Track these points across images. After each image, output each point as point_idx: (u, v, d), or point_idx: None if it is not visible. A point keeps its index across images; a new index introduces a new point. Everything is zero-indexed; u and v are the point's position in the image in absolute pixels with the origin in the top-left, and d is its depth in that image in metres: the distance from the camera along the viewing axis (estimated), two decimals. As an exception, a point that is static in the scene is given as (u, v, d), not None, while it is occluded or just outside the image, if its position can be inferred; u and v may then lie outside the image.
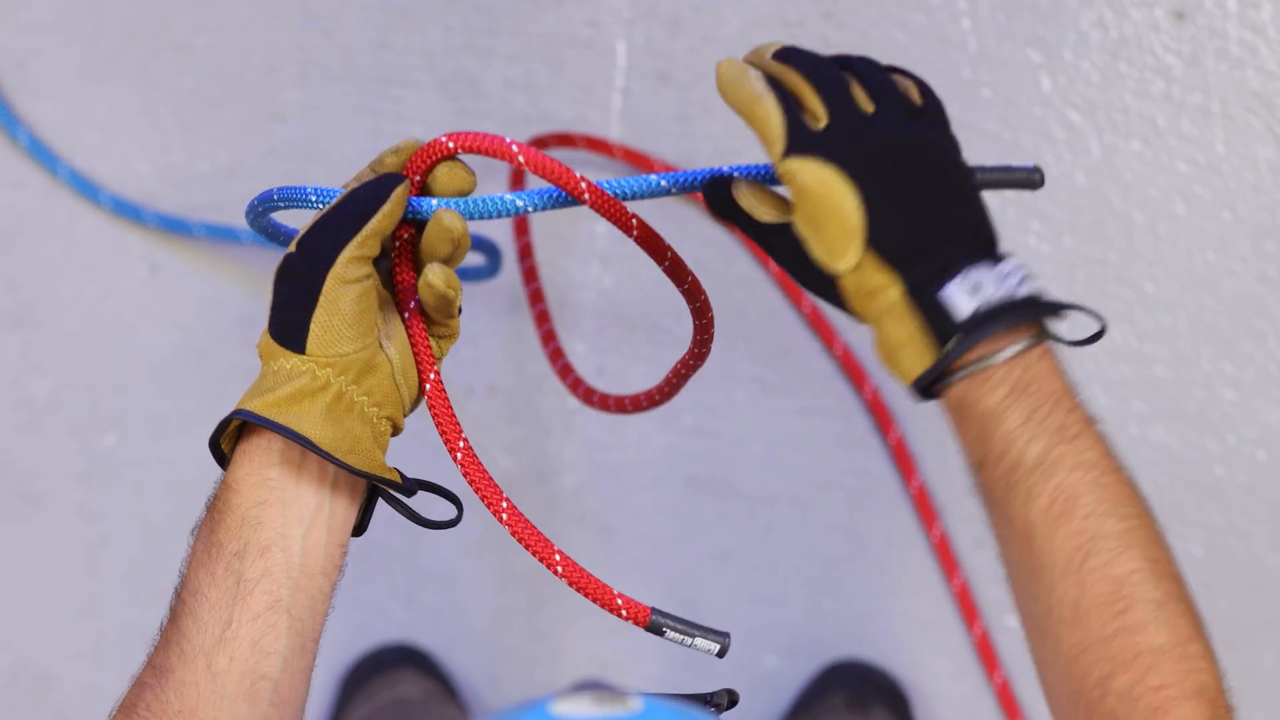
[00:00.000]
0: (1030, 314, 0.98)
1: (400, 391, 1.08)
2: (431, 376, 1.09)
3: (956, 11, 1.72)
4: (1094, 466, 0.97)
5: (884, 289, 0.99)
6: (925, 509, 1.79)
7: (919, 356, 0.99)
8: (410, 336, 1.08)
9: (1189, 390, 1.77)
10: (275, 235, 1.16)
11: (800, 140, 1.02)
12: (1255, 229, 1.73)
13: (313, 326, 1.03)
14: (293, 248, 1.04)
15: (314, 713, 1.91)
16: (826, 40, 1.74)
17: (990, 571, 1.82)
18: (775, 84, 1.05)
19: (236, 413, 1.03)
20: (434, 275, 1.05)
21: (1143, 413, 1.78)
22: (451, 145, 1.05)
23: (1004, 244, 1.75)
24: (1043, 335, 0.99)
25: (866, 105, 1.04)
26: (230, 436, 1.06)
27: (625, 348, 1.82)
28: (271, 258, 1.81)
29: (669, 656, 1.89)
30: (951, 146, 1.04)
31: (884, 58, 1.72)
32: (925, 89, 1.06)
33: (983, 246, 1.01)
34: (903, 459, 1.79)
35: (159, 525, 1.87)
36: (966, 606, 1.80)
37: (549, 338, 1.67)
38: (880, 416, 1.79)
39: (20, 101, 1.82)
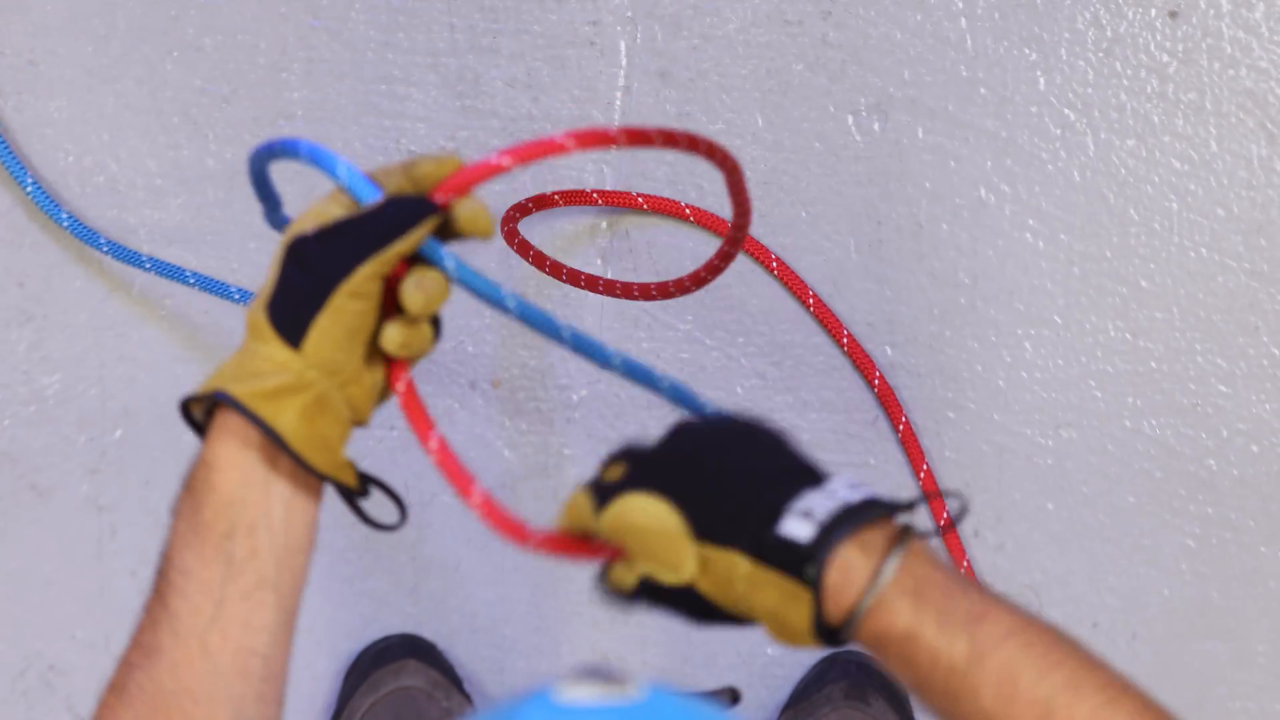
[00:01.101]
0: (871, 515, 0.97)
1: (378, 399, 1.09)
2: (401, 384, 1.09)
3: (954, 11, 1.73)
4: (1012, 632, 0.96)
5: (733, 567, 0.99)
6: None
7: (798, 605, 0.97)
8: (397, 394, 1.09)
9: (1183, 384, 1.77)
10: (264, 186, 1.16)
11: (602, 493, 1.03)
12: (1248, 225, 1.74)
13: (313, 329, 1.03)
14: (311, 231, 1.04)
15: (318, 703, 1.90)
16: (825, 39, 1.74)
17: (991, 564, 1.82)
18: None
19: (219, 394, 1.04)
20: (388, 336, 1.05)
21: (1136, 406, 1.78)
22: (507, 162, 1.04)
23: (1003, 241, 1.76)
24: (904, 538, 0.98)
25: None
26: (203, 401, 1.07)
27: (626, 343, 1.82)
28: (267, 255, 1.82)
29: (671, 647, 1.89)
30: (745, 423, 1.05)
31: (882, 57, 1.74)
32: None
33: (802, 479, 1.00)
34: (912, 447, 1.79)
35: (168, 517, 1.88)
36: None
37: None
38: (891, 406, 1.79)
39: (30, 100, 1.81)
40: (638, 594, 1.04)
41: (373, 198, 1.06)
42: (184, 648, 1.02)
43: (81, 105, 1.82)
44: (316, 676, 1.90)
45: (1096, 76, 1.73)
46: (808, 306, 1.79)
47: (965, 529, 1.81)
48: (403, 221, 1.03)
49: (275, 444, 1.03)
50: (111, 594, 1.89)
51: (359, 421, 1.09)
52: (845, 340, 1.78)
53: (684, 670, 1.88)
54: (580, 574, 1.88)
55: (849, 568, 0.96)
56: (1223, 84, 1.72)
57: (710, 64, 1.76)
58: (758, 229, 1.79)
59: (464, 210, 1.06)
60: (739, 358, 1.81)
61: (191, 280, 1.79)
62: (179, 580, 1.03)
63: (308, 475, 1.07)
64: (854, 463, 1.82)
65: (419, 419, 1.08)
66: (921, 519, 1.01)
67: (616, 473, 1.05)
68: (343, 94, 1.80)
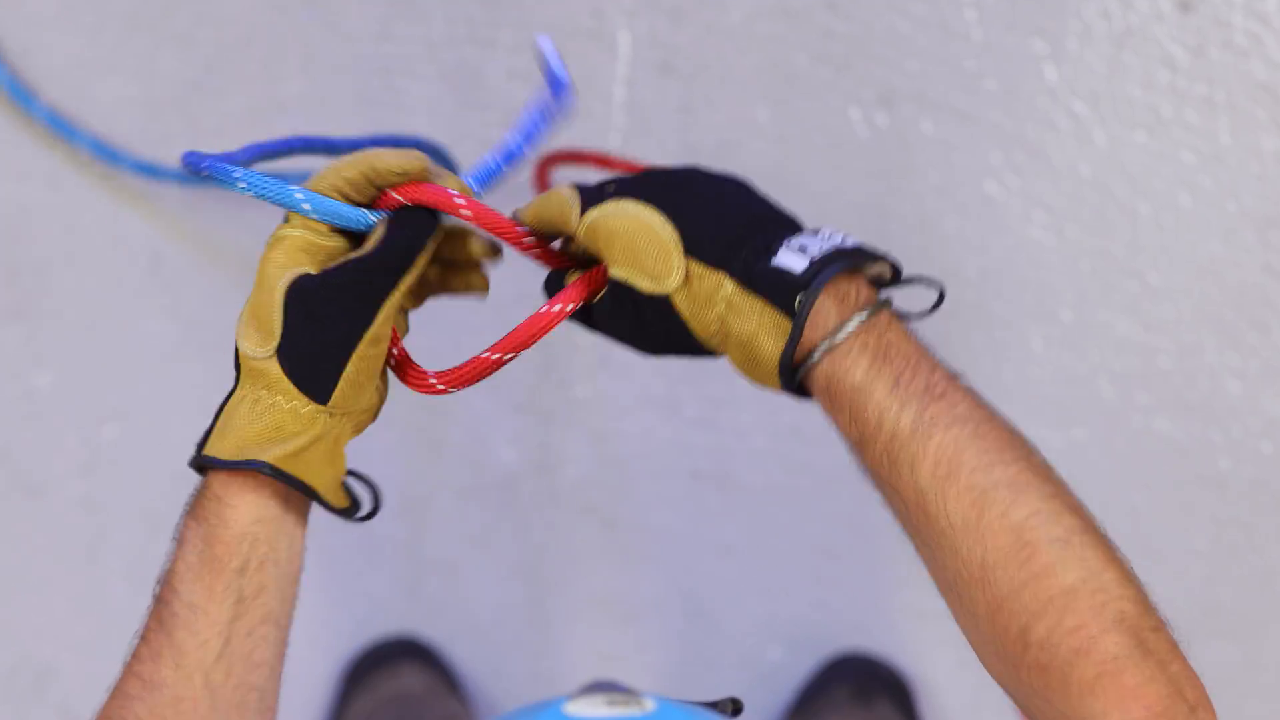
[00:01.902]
0: (862, 258, 0.99)
1: (379, 411, 1.08)
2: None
3: (960, 1, 1.72)
4: (968, 419, 0.96)
5: (718, 287, 1.00)
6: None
7: (774, 335, 0.99)
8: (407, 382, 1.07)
9: (1193, 382, 1.76)
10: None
11: (593, 197, 1.04)
12: (1260, 220, 1.73)
13: (342, 383, 1.01)
14: (315, 274, 1.01)
15: (317, 706, 1.90)
16: (830, 31, 1.73)
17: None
18: None
19: (257, 465, 1.00)
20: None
21: (1147, 404, 1.77)
22: (466, 214, 1.02)
23: (1010, 236, 1.75)
24: (883, 303, 1.00)
25: None
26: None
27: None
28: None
29: (671, 648, 1.89)
30: (718, 172, 1.07)
31: (887, 48, 1.73)
32: None
33: (790, 226, 1.03)
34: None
35: (161, 517, 1.86)
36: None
37: None
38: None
39: (21, 92, 1.82)
40: (593, 309, 1.05)
41: (346, 215, 1.02)
42: (187, 683, 1.01)
43: (73, 98, 1.82)
44: (314, 679, 1.90)
45: (1106, 69, 1.72)
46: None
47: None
48: (411, 249, 1.01)
49: (311, 498, 1.02)
50: (104, 595, 1.88)
51: (370, 423, 1.08)
52: None
53: (684, 672, 1.88)
54: (581, 576, 1.88)
55: (823, 310, 0.99)
56: (1234, 76, 1.71)
57: (713, 56, 1.75)
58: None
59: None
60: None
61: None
62: (185, 614, 1.02)
63: (304, 505, 1.06)
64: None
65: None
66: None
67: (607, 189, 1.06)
68: (339, 87, 1.79)
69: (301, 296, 1.00)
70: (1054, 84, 1.73)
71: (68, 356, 1.86)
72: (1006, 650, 0.94)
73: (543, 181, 1.74)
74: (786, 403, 1.81)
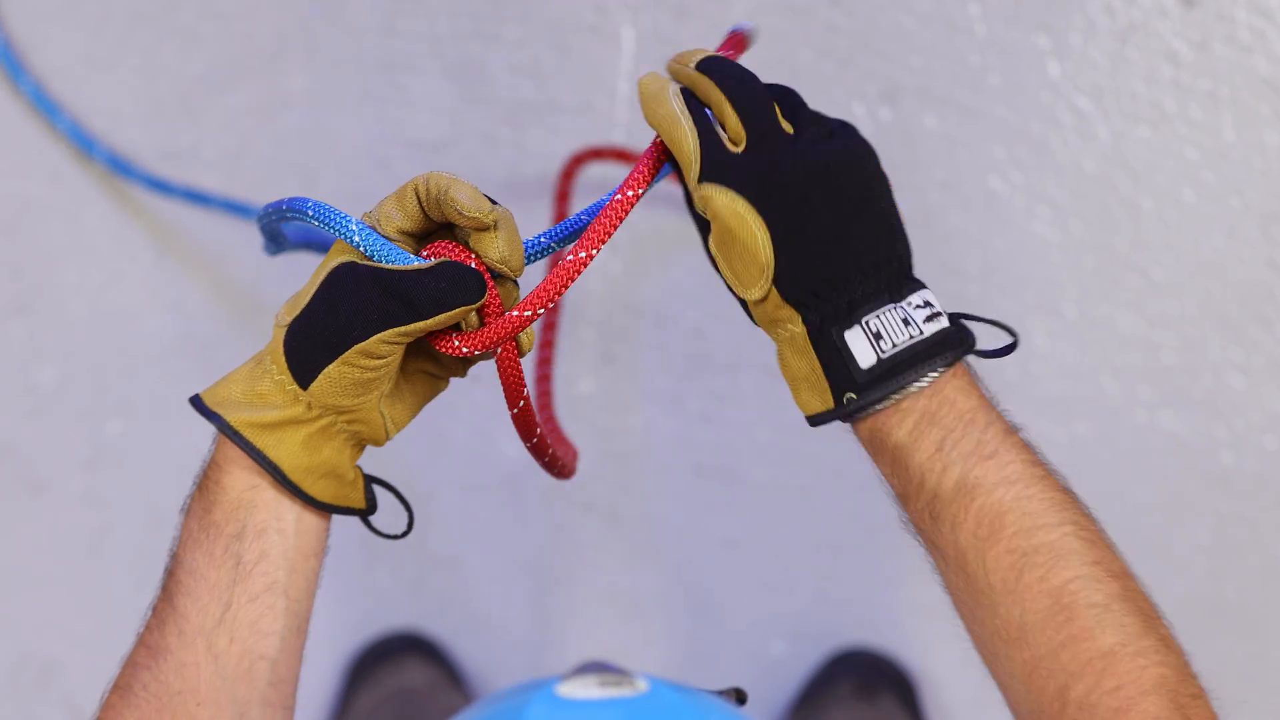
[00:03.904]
0: (933, 357, 0.97)
1: (388, 432, 1.08)
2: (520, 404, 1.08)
3: (964, -3, 1.72)
4: (1016, 480, 0.96)
5: (788, 321, 1.00)
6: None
7: (817, 396, 1.00)
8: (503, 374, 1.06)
9: (1197, 377, 1.76)
10: (275, 237, 1.14)
11: (715, 166, 1.00)
12: (1264, 215, 1.73)
13: (321, 376, 1.01)
14: (361, 261, 1.01)
15: (320, 701, 1.90)
16: (833, 27, 1.73)
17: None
18: (695, 102, 1.03)
19: (217, 420, 1.02)
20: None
21: (1150, 399, 1.77)
22: (508, 366, 1.04)
23: (1014, 231, 1.74)
24: (952, 359, 0.99)
25: (787, 127, 1.02)
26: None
27: (632, 334, 1.81)
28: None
29: (674, 643, 1.89)
30: (871, 165, 1.02)
31: (891, 44, 1.73)
32: (843, 123, 1.04)
33: (891, 281, 1.00)
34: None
35: (164, 512, 1.87)
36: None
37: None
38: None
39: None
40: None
41: (391, 255, 1.01)
42: (190, 649, 1.01)
43: (77, 93, 1.81)
44: (318, 674, 1.90)
45: (1109, 64, 1.72)
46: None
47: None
48: (441, 301, 0.99)
49: (271, 473, 1.02)
50: (108, 590, 1.88)
51: (375, 444, 1.08)
52: None
53: (687, 668, 1.88)
54: (584, 571, 1.88)
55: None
56: (1238, 71, 1.71)
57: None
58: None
59: (490, 240, 1.02)
60: (745, 349, 1.80)
61: (219, 205, 1.76)
62: (187, 580, 1.03)
63: None
64: (861, 456, 1.80)
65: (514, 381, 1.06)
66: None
67: (737, 126, 1.00)
68: (343, 82, 1.79)
69: (333, 281, 1.01)
70: (1057, 79, 1.72)
71: (71, 352, 1.86)
72: (1044, 709, 0.94)
73: (568, 181, 1.72)
74: (790, 399, 1.81)
